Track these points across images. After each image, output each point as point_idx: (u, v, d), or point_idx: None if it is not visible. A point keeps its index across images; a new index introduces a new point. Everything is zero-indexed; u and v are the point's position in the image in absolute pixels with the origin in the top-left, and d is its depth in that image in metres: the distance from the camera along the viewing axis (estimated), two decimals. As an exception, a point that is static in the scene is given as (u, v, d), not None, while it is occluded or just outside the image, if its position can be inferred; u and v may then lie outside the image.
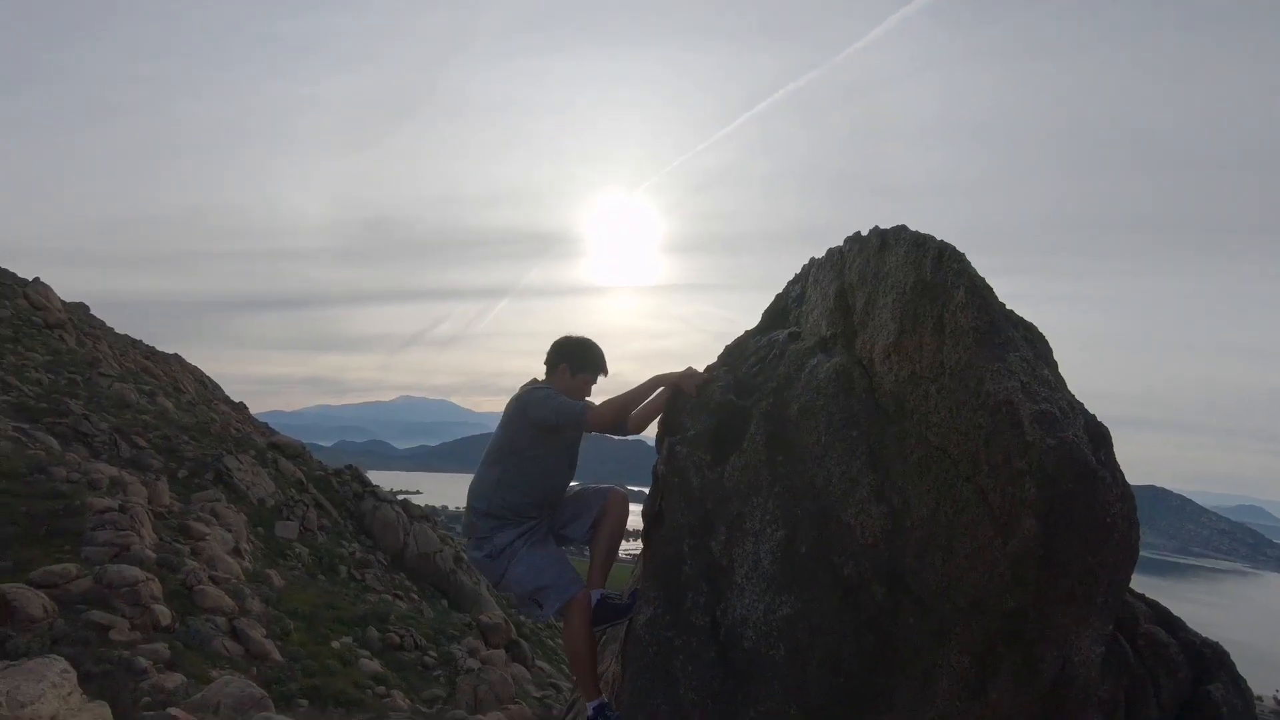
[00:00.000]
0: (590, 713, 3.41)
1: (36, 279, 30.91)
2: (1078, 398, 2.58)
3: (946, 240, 2.74)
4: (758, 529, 3.04)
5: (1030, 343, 2.62)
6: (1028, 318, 2.77)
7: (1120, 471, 2.41)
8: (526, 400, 3.49)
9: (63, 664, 5.94)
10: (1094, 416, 2.52)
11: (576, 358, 3.63)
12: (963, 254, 2.61)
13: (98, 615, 11.21)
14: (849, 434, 2.92)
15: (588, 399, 3.65)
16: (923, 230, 2.83)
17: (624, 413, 3.59)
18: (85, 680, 6.64)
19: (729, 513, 3.17)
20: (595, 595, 3.58)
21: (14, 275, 31.21)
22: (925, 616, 2.52)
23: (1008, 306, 2.69)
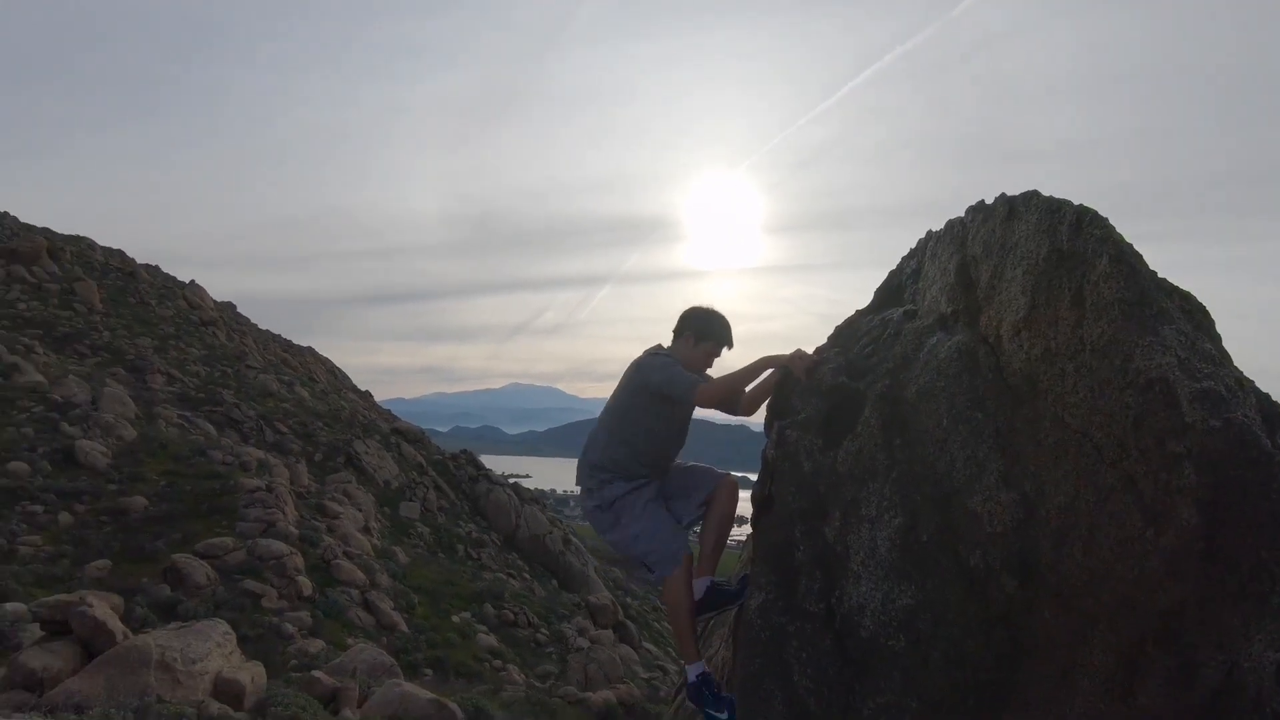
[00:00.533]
0: (692, 678, 3.40)
1: (192, 281, 34.43)
2: (1248, 375, 2.30)
3: (1086, 205, 2.51)
4: (874, 515, 2.93)
5: (1189, 314, 2.35)
6: (1191, 288, 2.48)
7: (1301, 457, 2.12)
8: (645, 366, 3.55)
9: (225, 626, 6.63)
10: (1268, 395, 2.23)
11: (701, 327, 3.65)
12: (1105, 219, 2.37)
13: (251, 584, 12.45)
14: (974, 416, 2.75)
15: (705, 372, 3.65)
16: (1060, 194, 2.60)
17: (733, 392, 3.57)
18: (242, 642, 7.39)
19: (843, 498, 3.07)
20: (704, 583, 3.58)
21: (173, 278, 34.93)
22: (1064, 612, 2.33)
23: (1160, 276, 2.43)
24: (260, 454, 18.37)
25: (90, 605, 5.88)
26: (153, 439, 17.15)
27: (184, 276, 35.34)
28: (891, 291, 4.03)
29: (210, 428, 20.44)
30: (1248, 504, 1.97)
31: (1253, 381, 2.26)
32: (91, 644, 5.77)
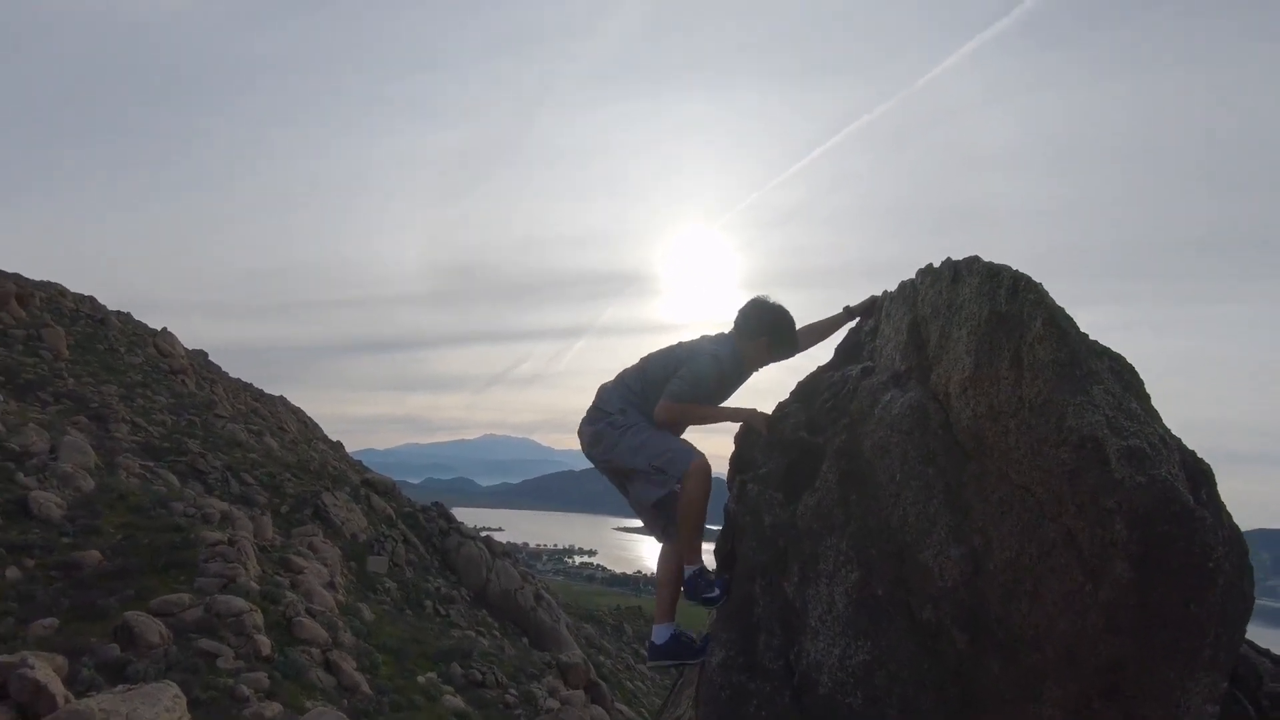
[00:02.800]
0: (689, 574, 3.46)
1: (164, 329, 33.94)
2: (1177, 433, 2.41)
3: (1023, 269, 2.66)
4: (831, 570, 2.97)
5: (1117, 374, 2.48)
6: (1120, 347, 2.63)
7: (1226, 512, 2.23)
8: (693, 353, 3.66)
9: (175, 689, 6.36)
10: (1193, 453, 2.34)
11: (782, 337, 3.76)
12: (1039, 284, 2.52)
13: (207, 643, 11.93)
14: (925, 471, 2.83)
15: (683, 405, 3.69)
16: (1000, 259, 2.75)
17: (684, 426, 3.68)
18: (194, 706, 7.07)
19: (802, 553, 3.11)
20: (668, 629, 3.62)
21: (145, 325, 34.41)
22: (1012, 666, 2.37)
23: (1091, 337, 2.56)
24: (224, 506, 17.86)
25: (31, 666, 5.63)
26: (111, 489, 16.62)
27: (157, 324, 34.84)
28: (851, 348, 4.16)
29: (173, 478, 19.88)
30: (1174, 559, 2.06)
31: (1179, 439, 2.38)
32: (31, 708, 5.51)
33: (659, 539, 3.73)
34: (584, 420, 3.78)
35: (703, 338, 3.83)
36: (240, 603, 13.06)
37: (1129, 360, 2.57)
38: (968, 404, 2.75)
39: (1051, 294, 2.56)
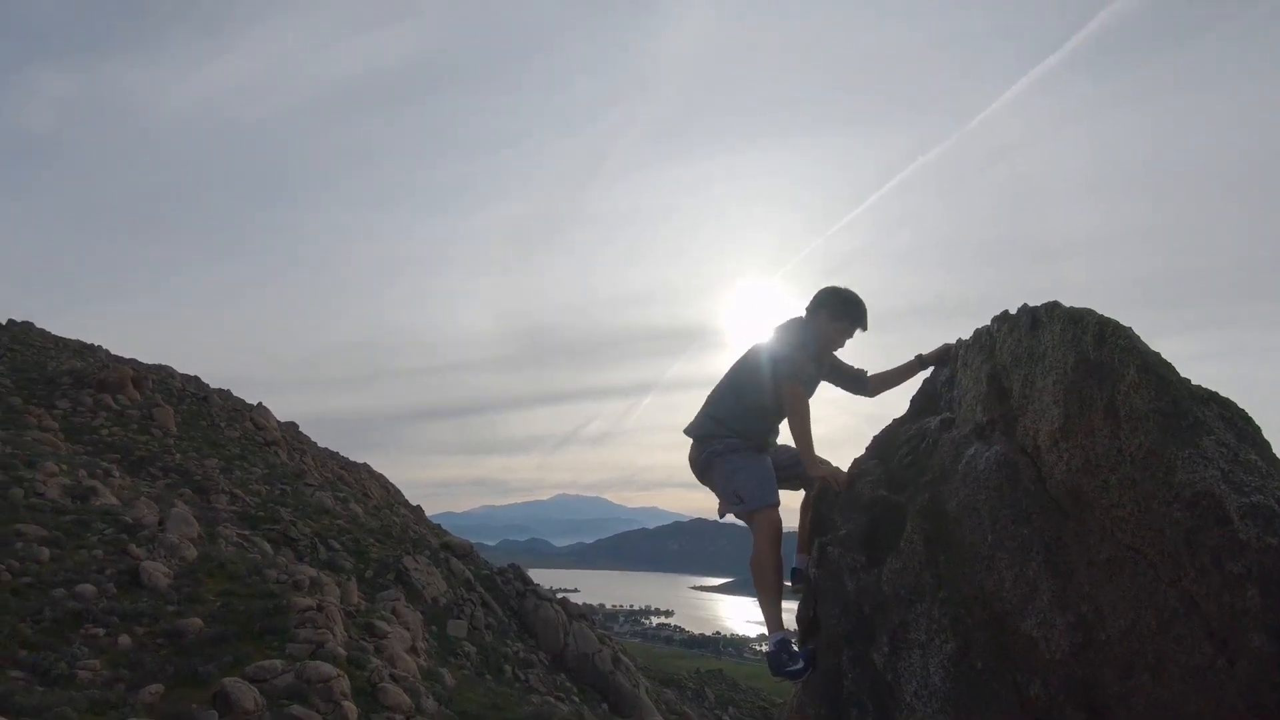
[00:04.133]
0: (772, 646, 3.36)
1: (260, 404, 36.13)
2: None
3: (1115, 302, 2.52)
4: (924, 640, 2.78)
5: (1229, 422, 2.28)
6: (1223, 374, 2.41)
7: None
8: (781, 338, 3.69)
9: (268, 757, 6.47)
10: (1327, 507, 2.10)
11: (836, 307, 3.77)
12: (1129, 328, 2.37)
13: (298, 710, 12.19)
14: (1019, 531, 2.65)
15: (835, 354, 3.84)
16: (1088, 289, 2.62)
17: (799, 416, 3.60)
18: (285, 774, 7.16)
19: (890, 621, 2.93)
20: (796, 562, 3.66)
21: (243, 401, 36.75)
22: (1139, 750, 2.14)
23: (1194, 381, 2.37)
24: (313, 572, 18.46)
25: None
26: (212, 559, 17.50)
27: (252, 399, 37.16)
28: (928, 399, 4.00)
29: (267, 546, 20.79)
30: (1320, 630, 1.83)
31: (1310, 492, 2.14)
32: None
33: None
34: (697, 424, 3.89)
35: (778, 330, 3.79)
36: (328, 669, 13.34)
37: (1240, 404, 2.36)
38: (1060, 458, 2.58)
39: (1140, 324, 2.41)
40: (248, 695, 12.21)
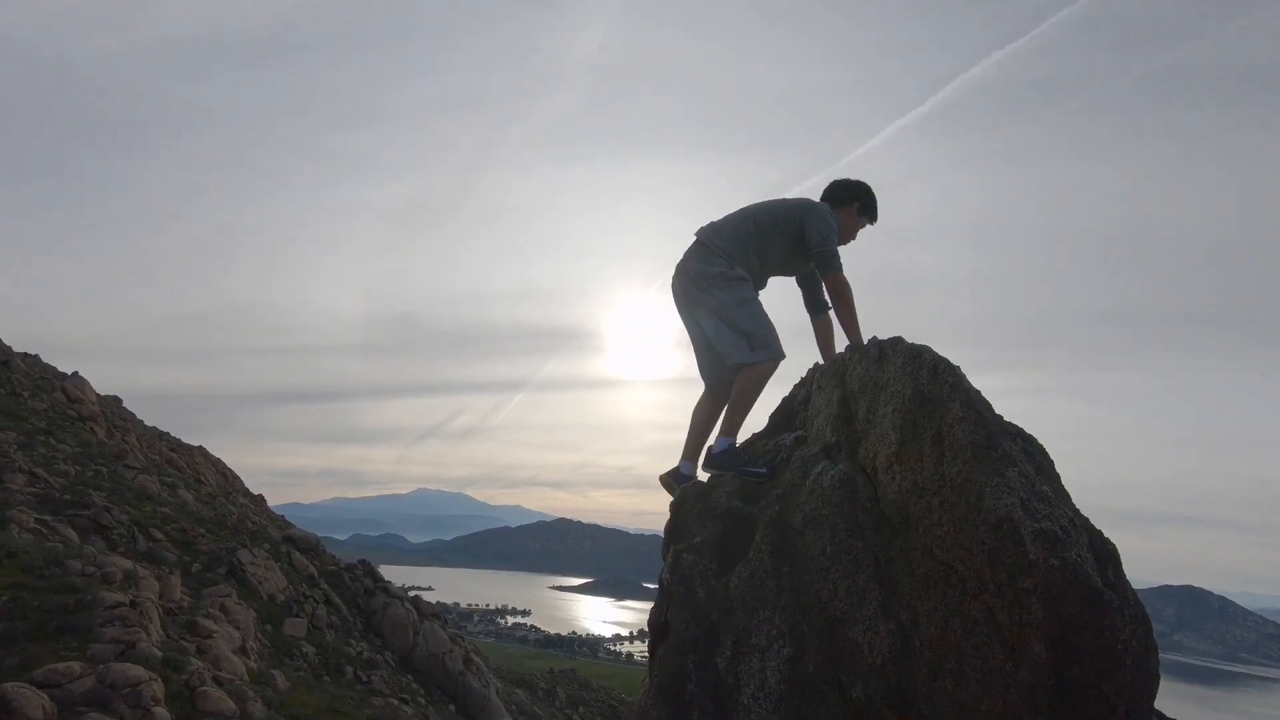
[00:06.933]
0: (720, 445, 3.54)
1: (75, 373, 31.94)
2: (1088, 491, 2.55)
3: (948, 338, 2.81)
4: (764, 645, 2.96)
5: (1029, 455, 2.62)
6: (1033, 410, 2.78)
7: (1132, 591, 2.34)
8: (815, 215, 3.60)
9: (54, 774, 5.74)
10: (1100, 533, 2.47)
11: (867, 202, 3.79)
12: (957, 367, 2.66)
13: (96, 717, 10.89)
14: (854, 545, 2.89)
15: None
16: (924, 323, 2.91)
17: (846, 306, 3.57)
18: (75, 792, 6.39)
19: (735, 626, 3.09)
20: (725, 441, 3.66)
21: (55, 369, 32.30)
22: (938, 746, 2.40)
23: (1006, 419, 2.70)
24: (128, 564, 16.55)
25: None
26: (0, 547, 15.26)
27: (67, 368, 32.75)
28: (785, 417, 4.25)
29: (72, 534, 18.40)
30: (1086, 642, 2.14)
31: (1086, 519, 2.51)
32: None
33: (704, 380, 3.79)
34: (691, 255, 3.71)
35: (811, 212, 3.67)
36: (138, 671, 12.01)
37: (1039, 438, 2.71)
38: (894, 479, 2.84)
39: (968, 360, 2.71)
40: (33, 702, 10.73)
